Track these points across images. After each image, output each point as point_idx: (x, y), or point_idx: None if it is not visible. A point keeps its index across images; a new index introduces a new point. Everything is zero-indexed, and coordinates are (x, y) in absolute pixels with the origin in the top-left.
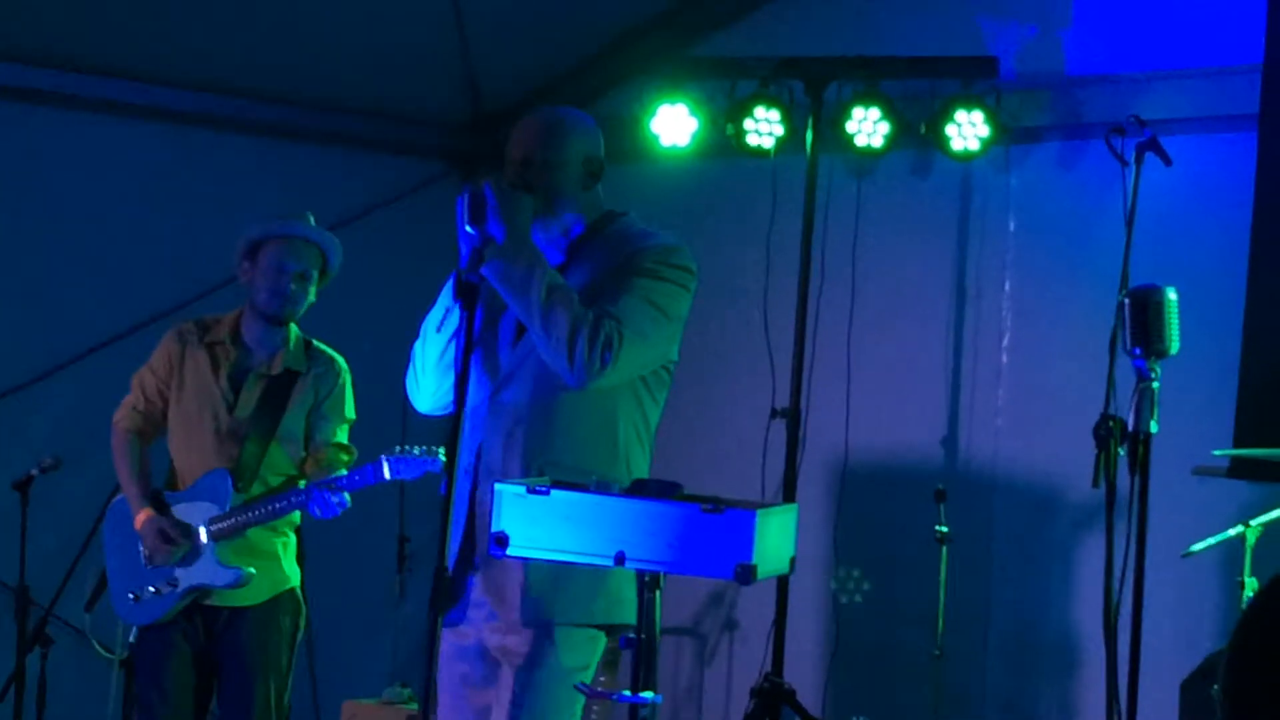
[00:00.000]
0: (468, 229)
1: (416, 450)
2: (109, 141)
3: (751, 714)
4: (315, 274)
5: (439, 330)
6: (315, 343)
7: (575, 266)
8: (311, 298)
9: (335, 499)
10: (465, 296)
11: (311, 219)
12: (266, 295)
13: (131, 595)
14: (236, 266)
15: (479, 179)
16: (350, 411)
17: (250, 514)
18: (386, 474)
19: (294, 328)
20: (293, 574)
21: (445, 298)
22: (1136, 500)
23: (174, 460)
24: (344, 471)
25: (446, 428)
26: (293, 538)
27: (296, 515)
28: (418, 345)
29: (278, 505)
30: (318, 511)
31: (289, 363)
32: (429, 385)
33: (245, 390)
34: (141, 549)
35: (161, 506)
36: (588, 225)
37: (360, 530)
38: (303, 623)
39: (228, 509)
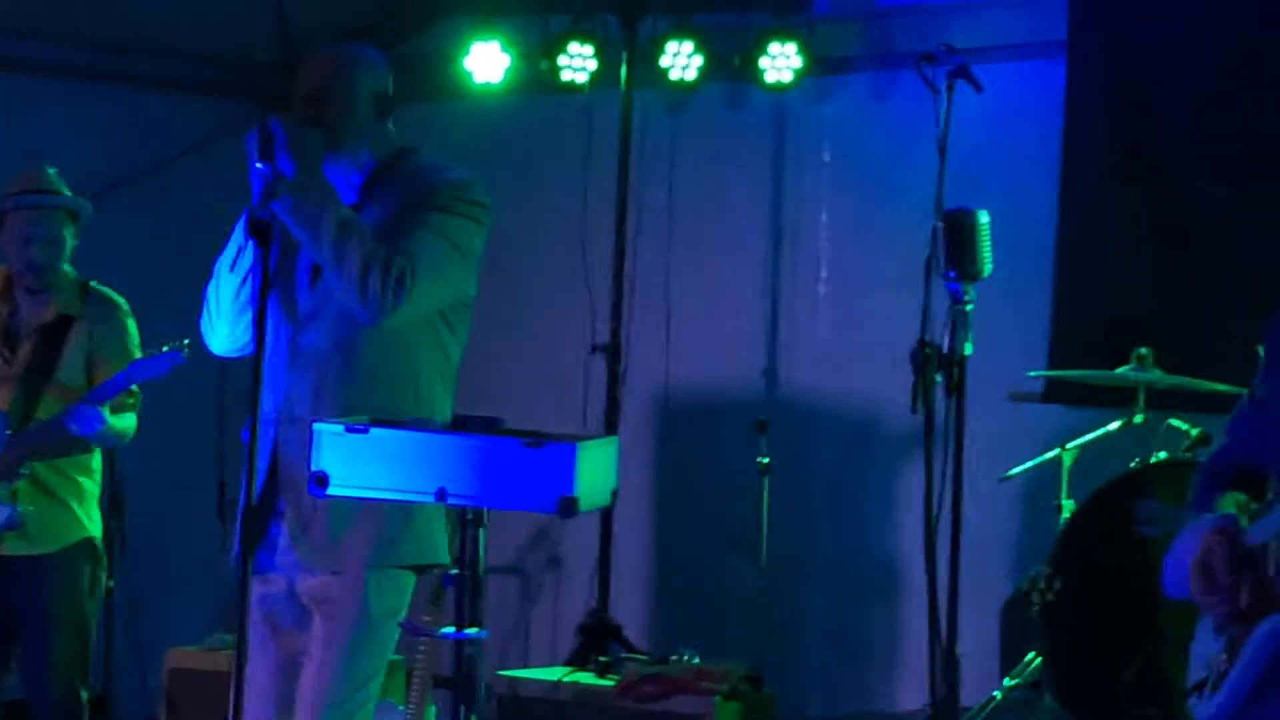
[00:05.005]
0: (258, 165)
1: (164, 348)
2: None
3: (578, 650)
4: (67, 232)
5: (232, 270)
6: (93, 284)
7: (369, 204)
8: (70, 243)
9: (89, 410)
10: (258, 234)
11: (51, 173)
12: (19, 266)
13: None
14: None
15: (269, 116)
16: (135, 351)
17: (16, 448)
18: (130, 377)
19: (68, 269)
20: (90, 523)
21: (238, 236)
22: (954, 423)
23: None
24: (130, 404)
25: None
26: (90, 486)
27: (95, 463)
28: (211, 286)
29: (39, 431)
30: (75, 427)
31: (62, 309)
32: (223, 327)
33: (22, 342)
34: None
35: None
36: (379, 162)
37: (181, 478)
38: (103, 574)
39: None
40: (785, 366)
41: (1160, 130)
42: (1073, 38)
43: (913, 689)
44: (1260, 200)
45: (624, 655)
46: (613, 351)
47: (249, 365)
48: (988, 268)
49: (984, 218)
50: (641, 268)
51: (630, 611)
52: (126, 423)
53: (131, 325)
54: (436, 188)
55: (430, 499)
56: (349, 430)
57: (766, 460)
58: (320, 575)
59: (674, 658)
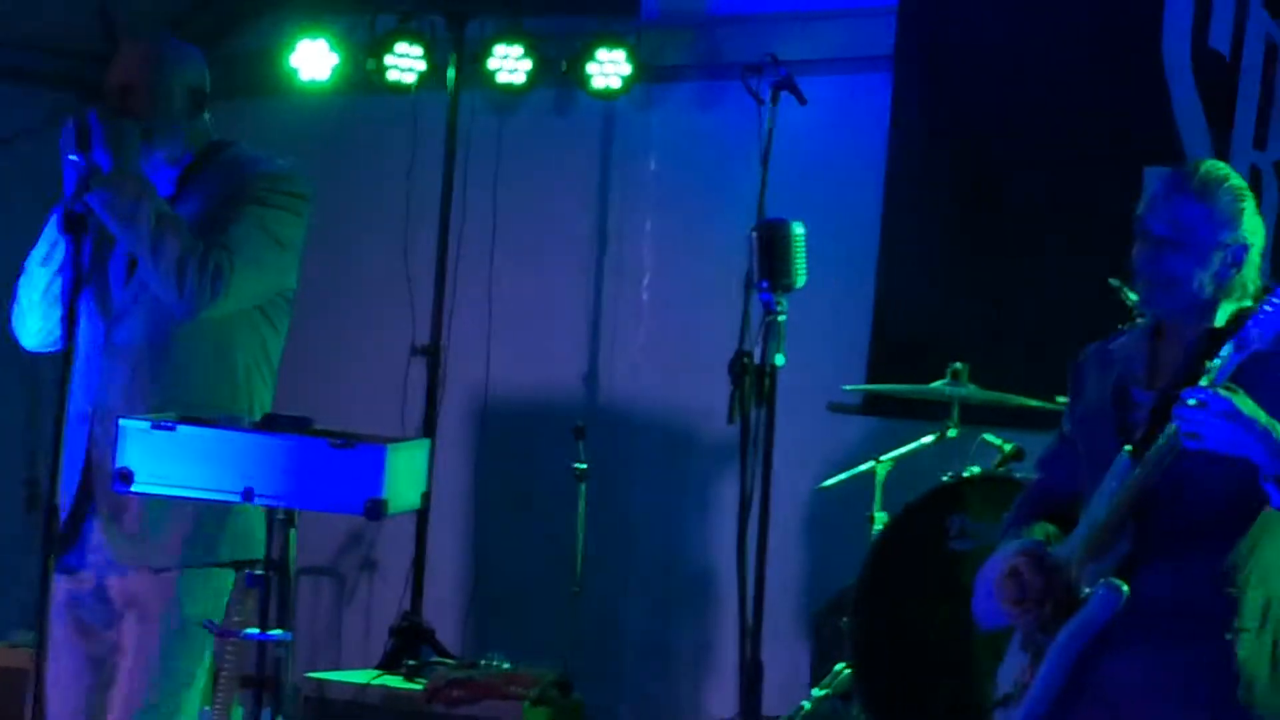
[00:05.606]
0: (73, 157)
1: None
2: None
3: (390, 653)
4: None
5: (44, 264)
6: None
7: (185, 197)
8: None
9: None
10: (72, 227)
11: None
12: None
13: None
14: None
15: (86, 107)
16: None
17: None
18: None
19: None
20: None
21: (51, 230)
22: (764, 434)
23: None
24: None
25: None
26: None
27: None
28: (22, 279)
29: None
30: None
31: None
32: (34, 322)
33: None
34: None
35: None
36: (196, 155)
37: None
38: None
39: None
40: (606, 373)
41: (980, 147)
42: (898, 52)
43: (723, 697)
44: (1075, 217)
45: (434, 659)
46: (433, 354)
47: (60, 360)
48: (801, 279)
49: (798, 229)
50: (464, 271)
51: (444, 615)
52: None
53: None
54: (255, 179)
55: (238, 498)
56: (155, 427)
57: (584, 466)
58: (132, 574)
59: (484, 662)
